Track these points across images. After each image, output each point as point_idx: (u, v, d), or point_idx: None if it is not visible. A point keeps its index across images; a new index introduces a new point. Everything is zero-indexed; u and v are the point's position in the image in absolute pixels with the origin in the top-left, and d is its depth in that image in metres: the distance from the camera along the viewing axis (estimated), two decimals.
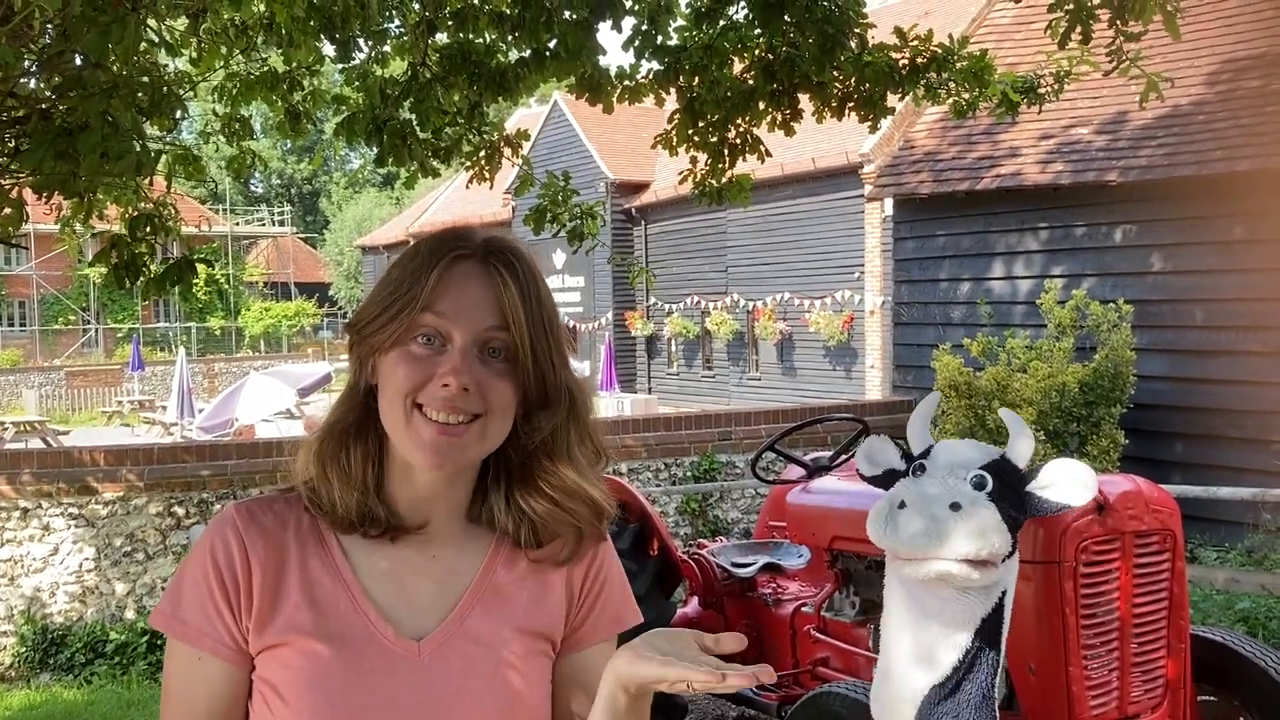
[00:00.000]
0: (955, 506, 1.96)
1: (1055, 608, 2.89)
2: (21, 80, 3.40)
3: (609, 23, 4.67)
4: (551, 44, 4.72)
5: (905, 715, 2.12)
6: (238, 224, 39.33)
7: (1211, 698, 3.29)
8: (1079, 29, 4.57)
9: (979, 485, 2.02)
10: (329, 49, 5.13)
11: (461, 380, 1.10)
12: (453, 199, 27.78)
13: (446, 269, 1.13)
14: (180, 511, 7.71)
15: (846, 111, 5.15)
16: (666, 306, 21.18)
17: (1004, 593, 2.08)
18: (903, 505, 1.99)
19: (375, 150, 5.15)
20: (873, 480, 2.27)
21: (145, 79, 3.56)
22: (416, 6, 5.04)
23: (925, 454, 2.13)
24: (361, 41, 5.07)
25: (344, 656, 1.12)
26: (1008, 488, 2.04)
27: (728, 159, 5.47)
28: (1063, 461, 2.11)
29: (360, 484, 1.15)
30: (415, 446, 1.11)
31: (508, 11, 4.78)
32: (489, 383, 1.12)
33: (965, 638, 2.04)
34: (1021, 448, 2.11)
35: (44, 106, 3.11)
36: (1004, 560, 2.02)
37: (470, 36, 4.97)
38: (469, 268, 1.14)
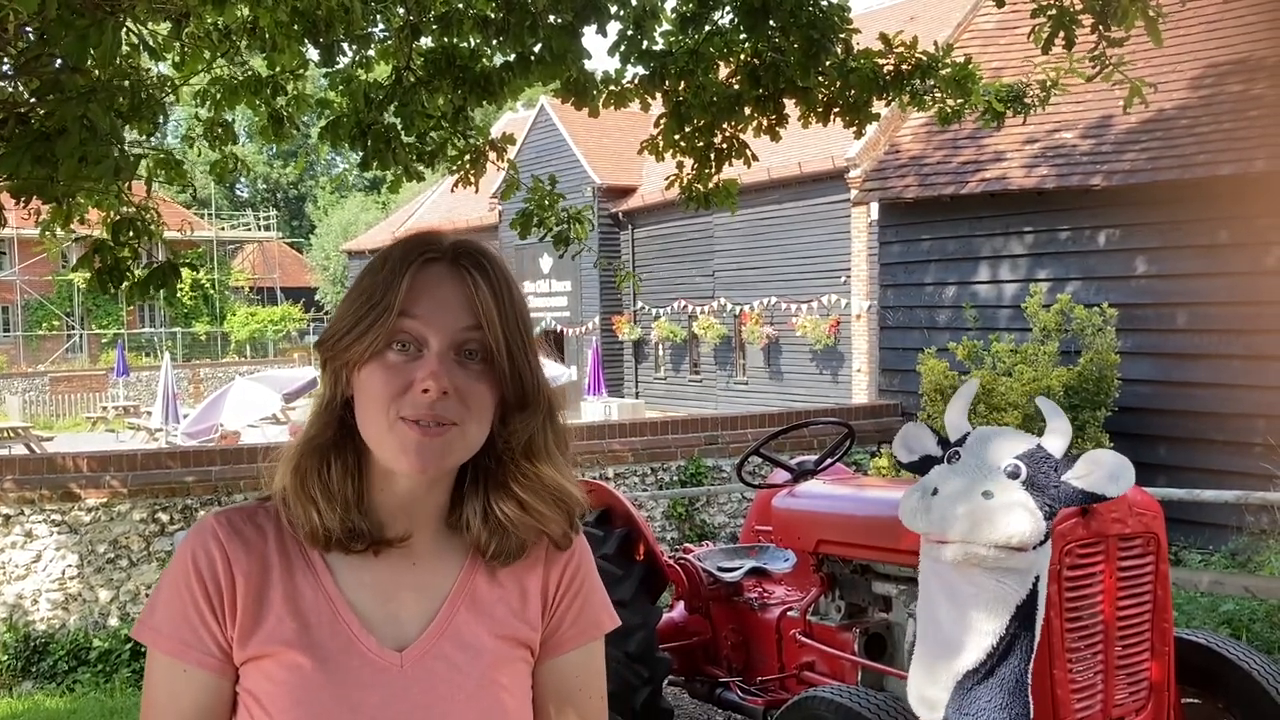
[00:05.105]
0: (988, 495, 1.99)
1: None
2: None
3: (594, 27, 4.67)
4: (536, 48, 4.71)
5: (940, 700, 2.14)
6: (223, 229, 39.14)
7: (1195, 700, 3.30)
8: (1062, 34, 4.58)
9: (1013, 474, 2.04)
10: (313, 53, 5.10)
11: (441, 384, 1.09)
12: (439, 203, 27.73)
13: (417, 273, 1.12)
14: (164, 518, 7.65)
15: (832, 117, 5.16)
16: (654, 311, 21.16)
17: (1037, 578, 2.11)
18: (935, 492, 2.02)
19: (360, 154, 5.14)
20: (909, 466, 2.29)
21: (125, 83, 3.54)
22: (401, 11, 5.02)
23: (961, 441, 2.15)
24: (345, 46, 5.05)
25: (326, 669, 1.11)
26: (1042, 476, 2.07)
27: (714, 164, 5.47)
28: (1099, 453, 2.14)
29: (343, 499, 1.14)
30: (398, 453, 1.10)
31: (492, 16, 4.77)
32: (467, 385, 1.11)
33: (1001, 623, 2.07)
34: (1057, 438, 2.14)
35: (21, 110, 3.08)
36: (1036, 547, 2.05)
37: (455, 41, 4.95)
38: (440, 270, 1.13)
